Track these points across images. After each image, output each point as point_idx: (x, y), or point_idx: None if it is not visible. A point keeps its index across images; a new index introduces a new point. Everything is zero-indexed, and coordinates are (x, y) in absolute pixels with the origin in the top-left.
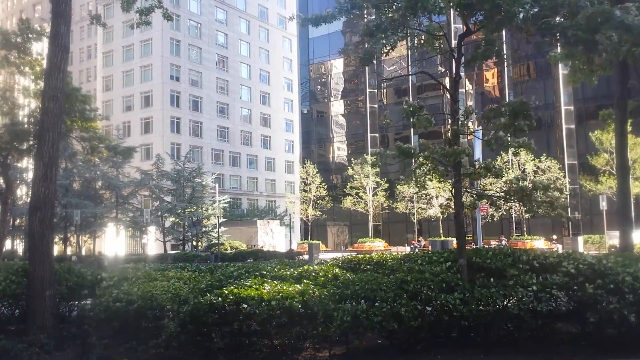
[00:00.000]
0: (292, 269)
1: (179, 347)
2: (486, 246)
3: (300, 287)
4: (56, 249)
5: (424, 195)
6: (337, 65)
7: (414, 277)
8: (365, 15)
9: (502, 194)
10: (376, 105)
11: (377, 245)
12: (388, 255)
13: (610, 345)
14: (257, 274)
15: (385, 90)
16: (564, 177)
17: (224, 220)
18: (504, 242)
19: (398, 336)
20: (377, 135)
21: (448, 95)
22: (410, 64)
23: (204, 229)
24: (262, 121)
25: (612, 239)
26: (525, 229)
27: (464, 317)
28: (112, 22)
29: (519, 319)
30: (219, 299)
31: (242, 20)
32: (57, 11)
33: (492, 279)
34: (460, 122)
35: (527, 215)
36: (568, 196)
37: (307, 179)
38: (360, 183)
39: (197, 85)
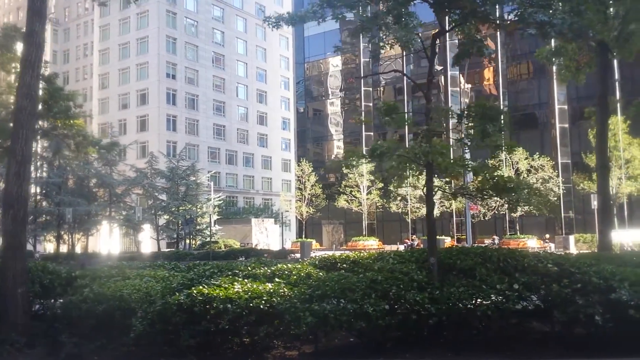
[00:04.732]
0: (265, 268)
1: (149, 346)
2: (455, 245)
3: (271, 286)
4: (51, 247)
5: (417, 195)
6: (333, 64)
7: (384, 276)
8: (340, 15)
9: (476, 191)
10: (371, 104)
11: (370, 244)
12: (365, 254)
13: (579, 345)
14: (230, 273)
15: (383, 88)
16: (557, 176)
17: (219, 218)
18: (496, 241)
19: (367, 335)
20: (372, 133)
21: (443, 96)
22: (404, 62)
23: (198, 227)
24: (258, 119)
25: None
26: (518, 227)
27: (432, 315)
28: (109, 20)
29: (487, 318)
30: (188, 298)
31: (239, 18)
32: (33, 9)
33: (463, 278)
34: (435, 122)
35: (518, 214)
36: (561, 195)
37: (302, 178)
38: (354, 182)
39: (193, 83)
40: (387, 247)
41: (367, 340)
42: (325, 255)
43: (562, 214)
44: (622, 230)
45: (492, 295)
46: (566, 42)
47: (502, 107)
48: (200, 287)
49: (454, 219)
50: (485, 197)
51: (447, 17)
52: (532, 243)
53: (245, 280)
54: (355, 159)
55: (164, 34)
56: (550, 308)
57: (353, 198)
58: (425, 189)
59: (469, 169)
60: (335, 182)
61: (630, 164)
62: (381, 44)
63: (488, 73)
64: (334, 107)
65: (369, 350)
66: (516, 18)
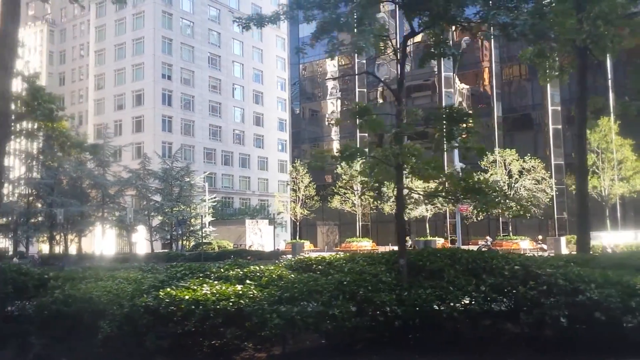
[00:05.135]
0: (238, 269)
1: (117, 348)
2: (430, 247)
3: (240, 288)
4: (46, 248)
5: (412, 197)
6: (328, 65)
7: (353, 277)
8: (311, 17)
9: (448, 193)
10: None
11: (364, 245)
12: (340, 256)
13: (548, 346)
14: (202, 274)
15: (382, 89)
16: (550, 177)
17: (214, 219)
18: (489, 242)
19: (335, 337)
20: (367, 134)
21: (438, 96)
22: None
23: (191, 228)
24: (255, 120)
25: (595, 239)
26: (511, 229)
27: (399, 317)
28: (105, 21)
29: (454, 319)
30: (155, 300)
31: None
32: (6, 10)
33: (431, 280)
34: (405, 124)
35: (509, 215)
36: (555, 196)
37: (296, 179)
38: (348, 183)
39: (189, 84)
40: (381, 248)
41: (335, 342)
42: (302, 257)
43: (556, 215)
44: (603, 232)
45: (459, 297)
46: (529, 43)
47: (495, 109)
48: (168, 289)
49: (448, 220)
50: (460, 199)
51: (416, 20)
52: (524, 244)
53: (215, 282)
54: (323, 159)
55: (159, 35)
56: (517, 310)
57: (347, 199)
58: (395, 190)
59: (440, 171)
60: (331, 182)
61: (623, 165)
62: (338, 47)
63: (482, 74)
64: (329, 108)
65: (337, 352)
66: (480, 20)
